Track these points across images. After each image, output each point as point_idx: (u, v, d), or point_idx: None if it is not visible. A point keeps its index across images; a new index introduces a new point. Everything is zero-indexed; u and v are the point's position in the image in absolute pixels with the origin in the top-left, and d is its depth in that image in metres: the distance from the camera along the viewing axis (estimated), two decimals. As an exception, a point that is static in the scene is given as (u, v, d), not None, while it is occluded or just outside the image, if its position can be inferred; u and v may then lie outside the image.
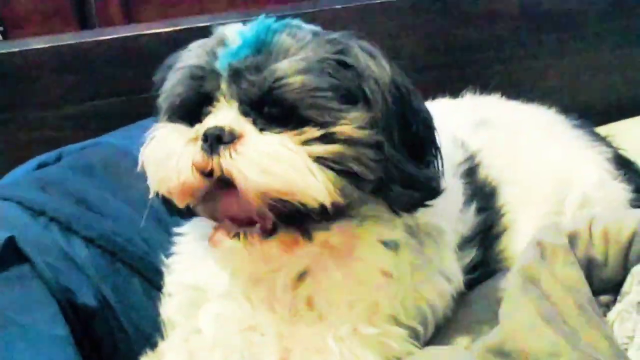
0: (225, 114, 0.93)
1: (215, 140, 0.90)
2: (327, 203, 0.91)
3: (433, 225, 1.07)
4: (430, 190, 0.98)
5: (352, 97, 0.94)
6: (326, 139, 0.91)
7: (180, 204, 0.97)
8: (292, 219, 0.93)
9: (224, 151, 0.89)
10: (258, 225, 0.93)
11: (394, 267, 1.02)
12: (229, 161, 0.89)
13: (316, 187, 0.89)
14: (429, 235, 1.07)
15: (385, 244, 1.02)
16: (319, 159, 0.90)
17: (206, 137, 0.90)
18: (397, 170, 0.95)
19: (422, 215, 1.04)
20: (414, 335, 1.05)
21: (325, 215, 0.93)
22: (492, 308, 1.05)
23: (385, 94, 0.95)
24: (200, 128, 0.92)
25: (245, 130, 0.91)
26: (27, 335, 1.02)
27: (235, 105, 0.93)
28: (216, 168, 0.90)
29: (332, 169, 0.91)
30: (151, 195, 0.98)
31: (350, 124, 0.92)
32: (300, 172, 0.89)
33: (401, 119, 0.96)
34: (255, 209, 0.92)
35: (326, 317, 1.02)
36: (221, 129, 0.90)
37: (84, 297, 1.13)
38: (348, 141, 0.92)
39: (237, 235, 0.93)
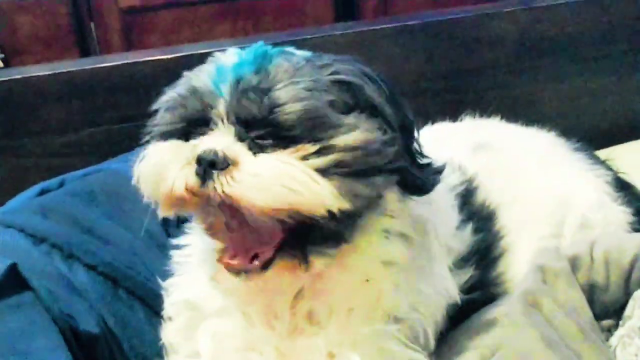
0: (219, 137, 0.93)
1: (209, 166, 0.90)
2: (334, 208, 0.90)
3: (427, 233, 1.07)
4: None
5: (348, 108, 0.94)
6: (324, 150, 0.91)
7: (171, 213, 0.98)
8: (301, 235, 0.94)
9: (219, 178, 0.89)
10: (257, 262, 0.94)
11: (394, 256, 1.02)
12: (229, 188, 0.89)
13: (322, 193, 0.90)
14: (423, 240, 1.07)
15: (387, 231, 1.02)
16: (319, 170, 0.90)
17: (200, 161, 0.90)
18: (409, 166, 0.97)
19: (418, 222, 1.05)
20: (413, 337, 1.04)
21: (335, 226, 0.93)
22: (495, 332, 1.05)
23: (388, 99, 0.96)
24: (194, 150, 0.92)
25: (239, 155, 0.91)
26: (29, 363, 1.02)
27: (230, 127, 0.93)
28: (213, 194, 0.90)
29: (335, 174, 0.91)
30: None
31: (348, 132, 0.92)
32: (302, 183, 0.89)
33: (403, 126, 0.98)
34: (262, 232, 0.93)
35: (326, 327, 1.01)
36: (215, 154, 0.90)
37: (86, 323, 1.13)
38: (348, 148, 0.92)
39: (239, 274, 0.94)
